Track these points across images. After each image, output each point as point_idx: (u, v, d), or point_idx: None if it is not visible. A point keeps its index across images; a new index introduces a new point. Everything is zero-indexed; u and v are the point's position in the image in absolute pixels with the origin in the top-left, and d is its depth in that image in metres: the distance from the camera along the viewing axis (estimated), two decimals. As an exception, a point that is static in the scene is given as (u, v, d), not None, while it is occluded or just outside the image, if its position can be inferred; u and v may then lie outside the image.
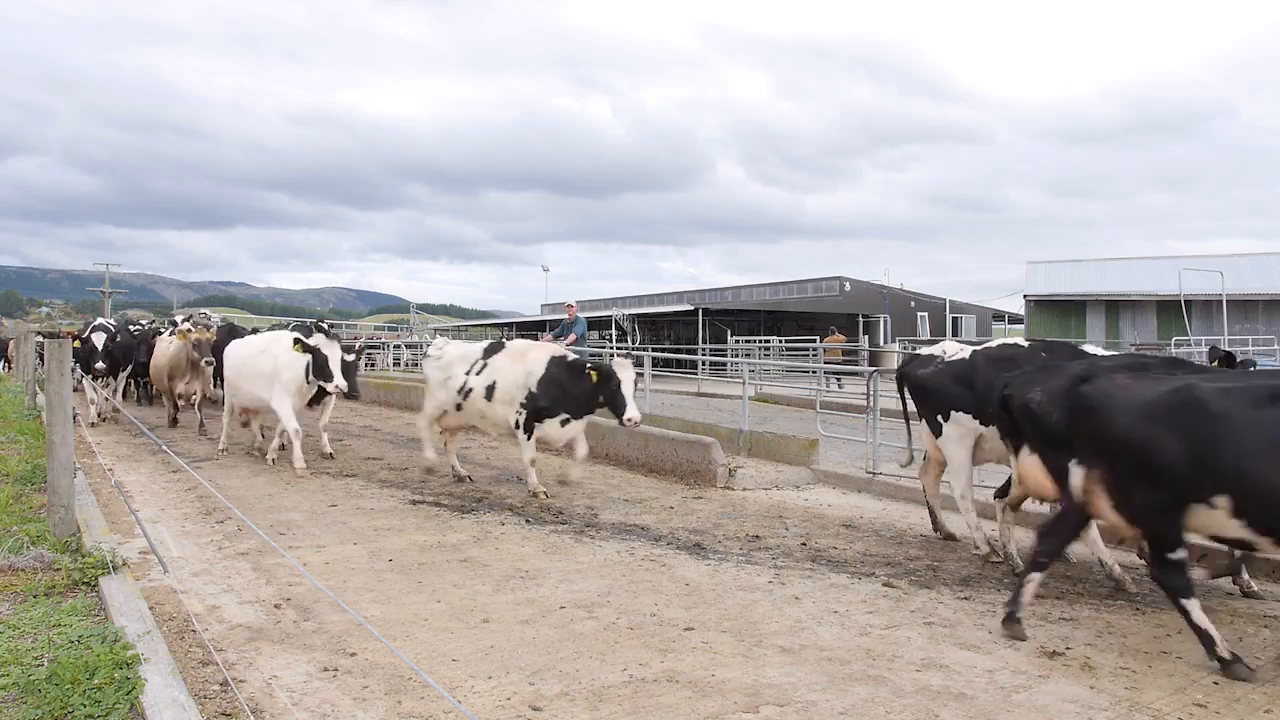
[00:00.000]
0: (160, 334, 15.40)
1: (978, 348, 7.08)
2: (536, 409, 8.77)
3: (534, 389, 8.75)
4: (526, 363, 8.90)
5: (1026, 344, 6.98)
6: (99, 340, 13.92)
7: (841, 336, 28.92)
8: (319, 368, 9.79)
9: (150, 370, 14.30)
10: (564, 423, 8.86)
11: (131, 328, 17.98)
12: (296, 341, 9.91)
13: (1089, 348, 6.96)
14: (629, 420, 8.36)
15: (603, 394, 8.57)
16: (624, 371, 8.47)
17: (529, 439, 8.83)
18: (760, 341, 31.91)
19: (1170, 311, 34.27)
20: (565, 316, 15.94)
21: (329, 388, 9.81)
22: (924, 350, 7.79)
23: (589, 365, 8.73)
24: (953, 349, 7.20)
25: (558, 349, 9.39)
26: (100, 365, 13.81)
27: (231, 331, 14.94)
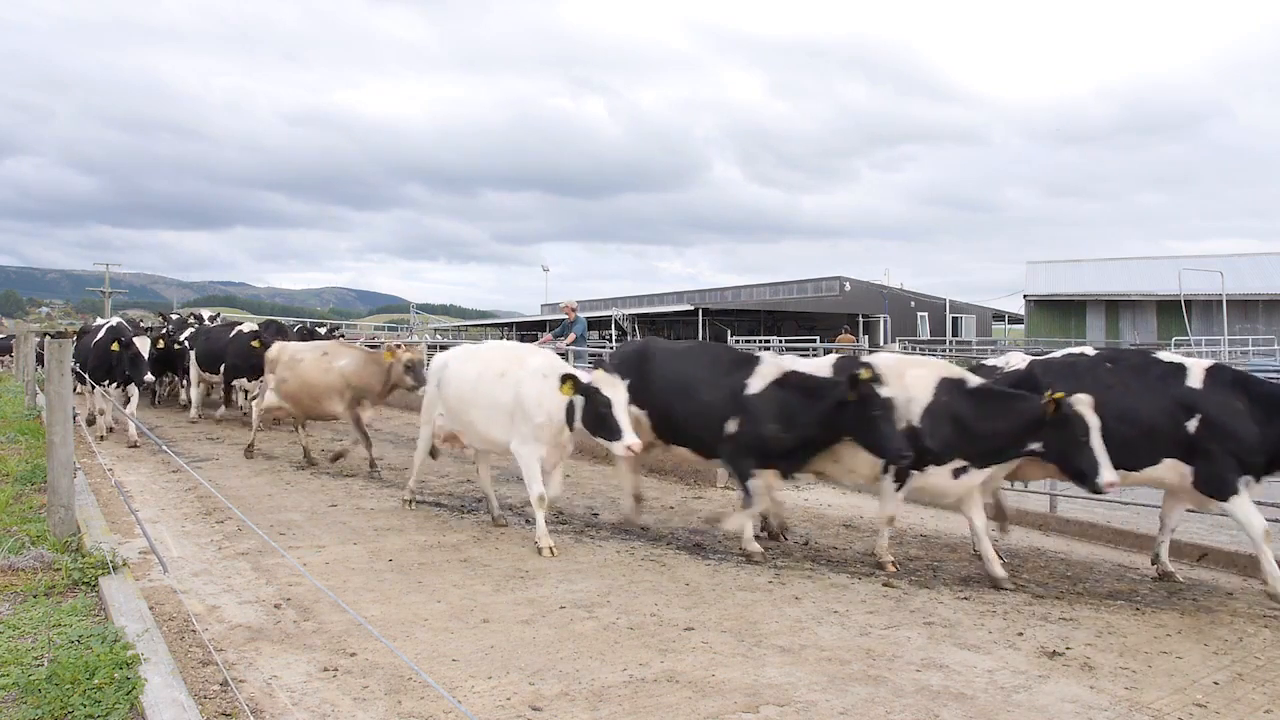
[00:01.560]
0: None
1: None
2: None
3: None
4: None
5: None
6: (144, 346, 11.83)
7: (851, 337, 28.96)
8: (597, 419, 6.44)
9: (294, 388, 10.06)
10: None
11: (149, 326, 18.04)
12: (566, 379, 6.53)
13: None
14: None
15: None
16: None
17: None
18: (760, 341, 31.91)
19: (1170, 311, 34.30)
20: (565, 316, 15.93)
21: (614, 449, 6.47)
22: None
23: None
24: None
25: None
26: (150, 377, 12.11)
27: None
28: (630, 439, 6.33)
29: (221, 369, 13.76)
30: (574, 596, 5.52)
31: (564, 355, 12.99)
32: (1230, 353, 26.55)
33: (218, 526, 7.18)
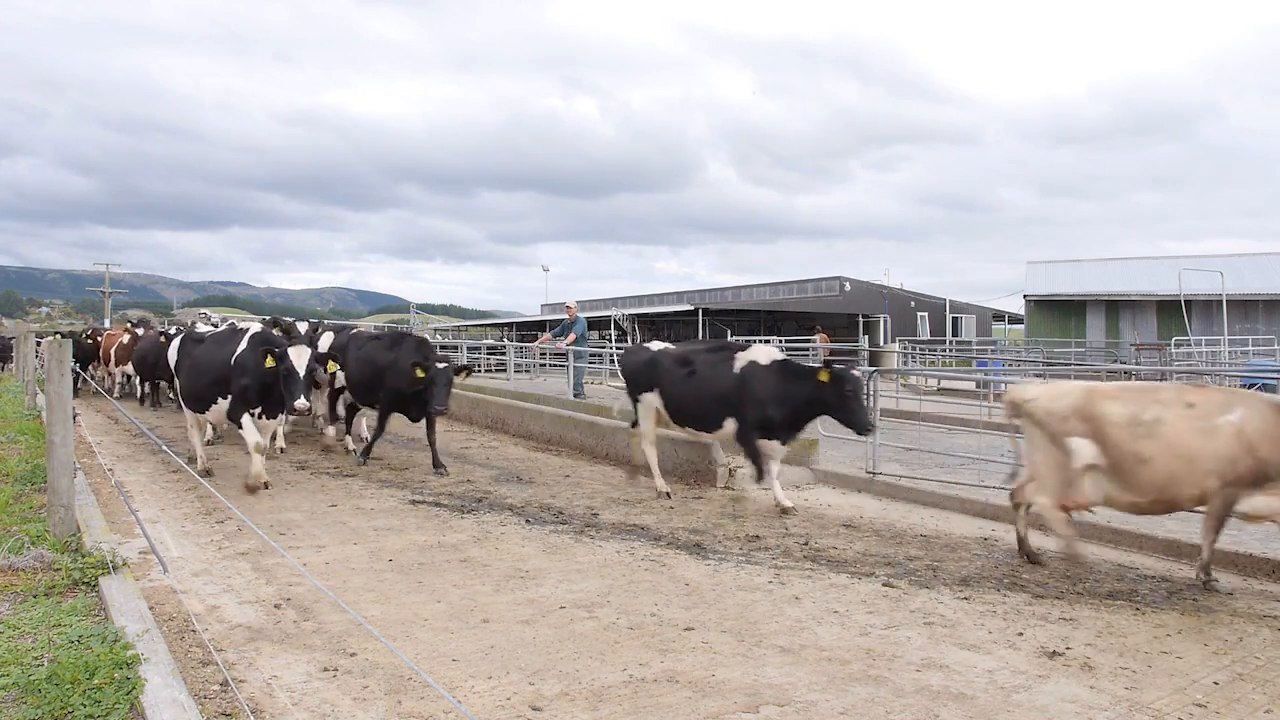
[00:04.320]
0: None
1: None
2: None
3: None
4: None
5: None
6: (301, 359, 8.44)
7: (825, 336, 28.99)
8: None
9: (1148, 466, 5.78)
10: None
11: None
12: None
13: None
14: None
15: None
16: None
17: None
18: (760, 342, 31.92)
19: (1170, 311, 34.29)
20: (565, 316, 15.93)
21: None
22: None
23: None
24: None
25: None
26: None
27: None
28: None
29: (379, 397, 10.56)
30: (574, 596, 5.52)
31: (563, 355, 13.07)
32: (1230, 353, 26.54)
33: (218, 526, 7.18)
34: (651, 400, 9.04)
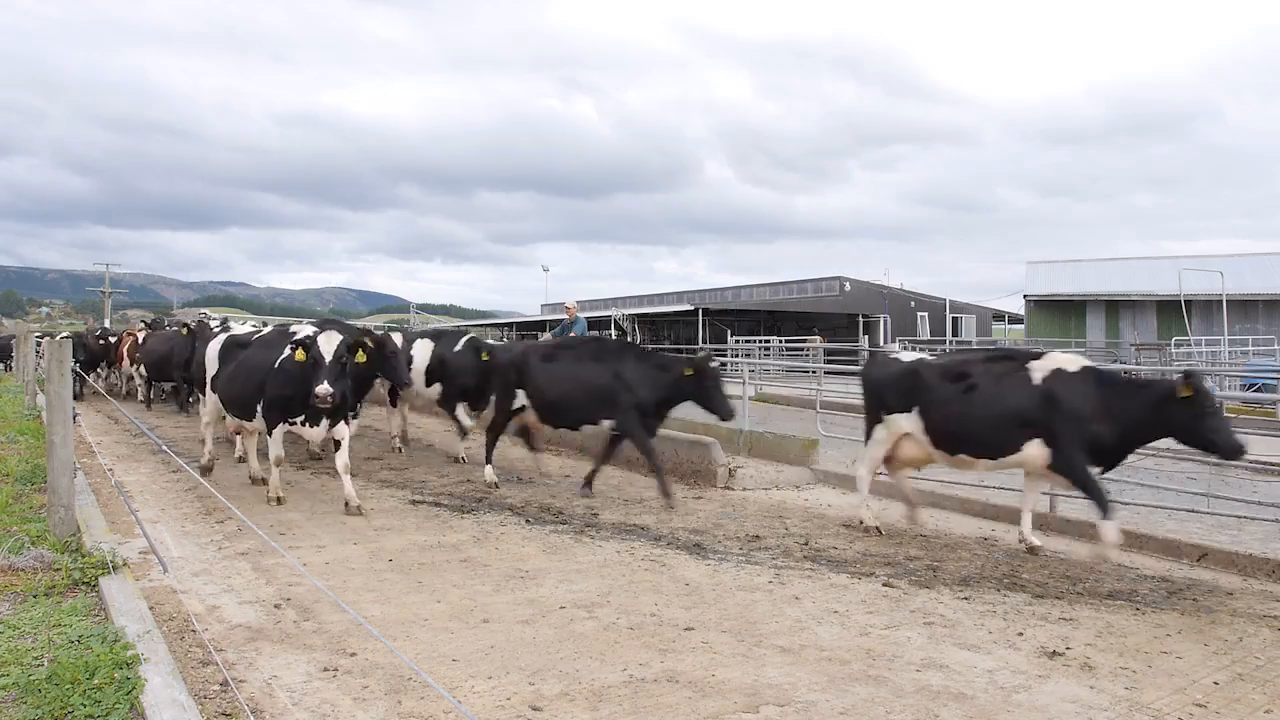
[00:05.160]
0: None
1: None
2: None
3: None
4: None
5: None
6: (423, 352, 10.33)
7: (821, 338, 29.05)
8: None
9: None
10: None
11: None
12: None
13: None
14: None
15: None
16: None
17: None
18: (760, 341, 31.91)
19: (1170, 311, 34.28)
20: (565, 317, 15.94)
21: None
22: None
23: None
24: None
25: None
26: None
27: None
28: None
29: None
30: (574, 596, 5.52)
31: None
32: (1230, 353, 26.54)
33: (218, 526, 7.18)
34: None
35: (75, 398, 7.16)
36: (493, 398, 9.74)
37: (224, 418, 9.33)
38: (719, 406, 8.57)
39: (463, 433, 11.12)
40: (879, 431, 7.64)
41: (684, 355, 9.37)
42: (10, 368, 26.81)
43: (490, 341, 12.26)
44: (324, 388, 7.33)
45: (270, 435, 8.13)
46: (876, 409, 7.70)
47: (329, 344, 7.58)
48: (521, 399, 9.30)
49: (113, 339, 20.58)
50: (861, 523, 7.69)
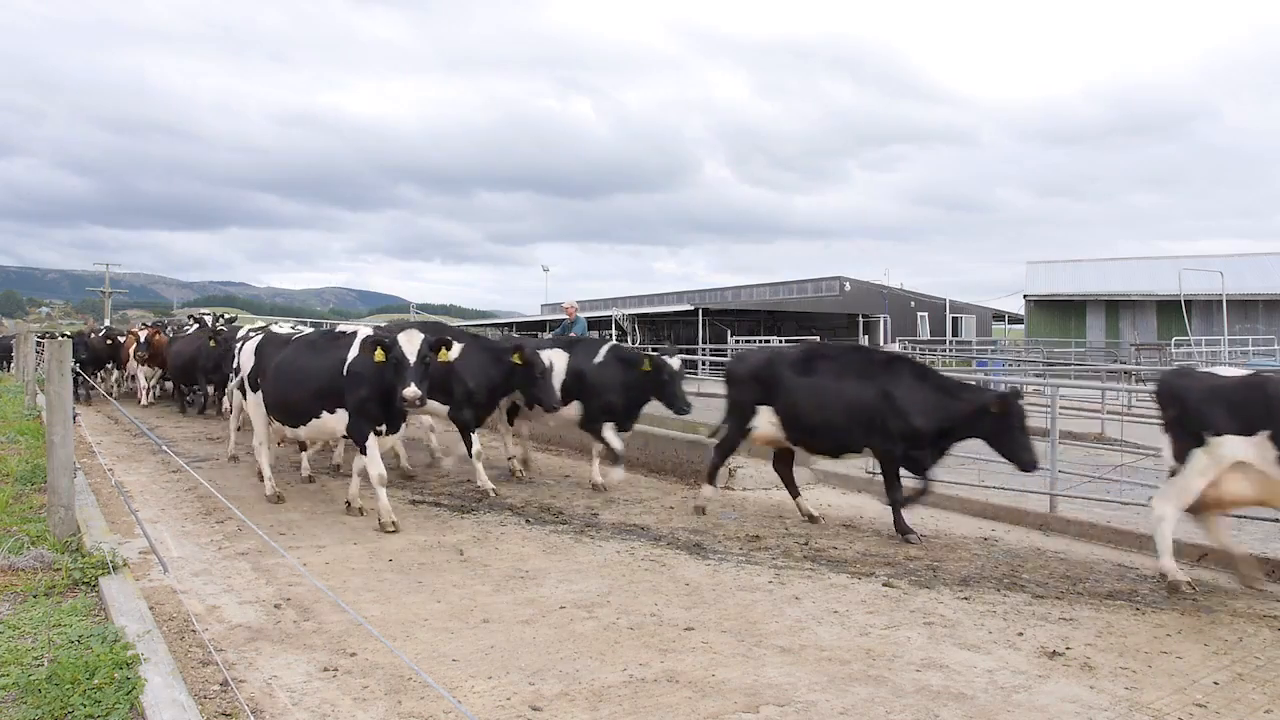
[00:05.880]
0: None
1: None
2: None
3: None
4: None
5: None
6: (558, 365, 9.19)
7: (818, 338, 29.05)
8: None
9: None
10: None
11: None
12: None
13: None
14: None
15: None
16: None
17: None
18: (760, 341, 31.90)
19: (1170, 311, 34.30)
20: (565, 316, 15.94)
21: None
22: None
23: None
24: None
25: None
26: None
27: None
28: None
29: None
30: (574, 596, 5.52)
31: None
32: (1230, 353, 26.54)
33: (218, 526, 7.18)
34: None
35: (80, 401, 7.09)
36: (726, 415, 8.29)
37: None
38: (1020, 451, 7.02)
39: (615, 459, 9.16)
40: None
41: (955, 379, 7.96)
42: (10, 368, 26.73)
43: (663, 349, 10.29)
44: (412, 390, 6.91)
45: (366, 450, 7.41)
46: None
47: (411, 344, 7.11)
48: (766, 417, 7.90)
49: (120, 339, 20.08)
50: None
